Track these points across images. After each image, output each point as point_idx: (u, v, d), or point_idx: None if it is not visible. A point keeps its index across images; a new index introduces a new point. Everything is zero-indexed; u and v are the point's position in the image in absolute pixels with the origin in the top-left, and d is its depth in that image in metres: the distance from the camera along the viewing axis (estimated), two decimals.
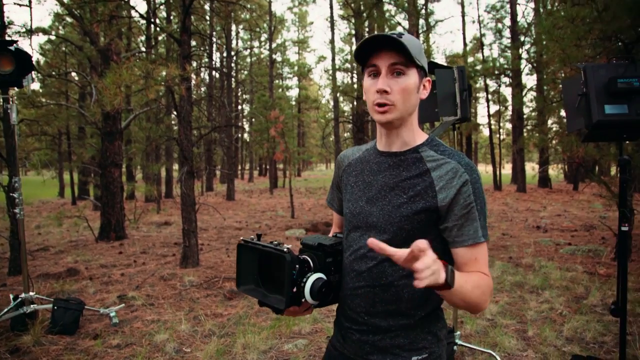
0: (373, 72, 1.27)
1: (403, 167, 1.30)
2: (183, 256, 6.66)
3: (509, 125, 32.04)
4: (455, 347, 3.43)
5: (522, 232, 9.69)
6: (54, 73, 13.57)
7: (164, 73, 6.09)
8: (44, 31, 13.50)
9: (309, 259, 1.29)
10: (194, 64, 21.61)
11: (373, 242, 1.04)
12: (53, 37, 14.94)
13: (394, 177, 1.30)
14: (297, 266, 1.21)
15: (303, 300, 1.22)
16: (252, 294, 1.28)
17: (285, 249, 1.18)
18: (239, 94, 37.11)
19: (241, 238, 1.30)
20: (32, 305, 4.19)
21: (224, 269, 6.48)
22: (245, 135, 37.33)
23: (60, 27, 16.47)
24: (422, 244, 0.99)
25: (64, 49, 14.80)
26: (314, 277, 1.24)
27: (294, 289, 1.20)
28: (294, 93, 37.90)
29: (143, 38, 17.35)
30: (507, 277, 5.94)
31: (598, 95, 2.58)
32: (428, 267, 1.00)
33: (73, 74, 16.89)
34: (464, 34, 26.25)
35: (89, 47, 9.76)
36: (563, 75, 9.00)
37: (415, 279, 0.99)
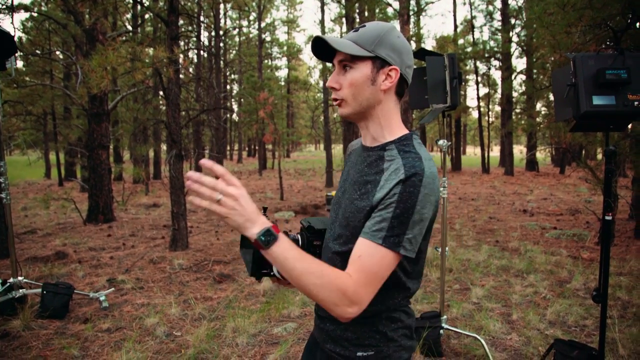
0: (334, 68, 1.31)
1: (367, 163, 1.29)
2: (172, 239, 6.66)
3: (498, 108, 32.15)
4: (441, 331, 3.51)
5: (509, 216, 9.83)
6: (37, 51, 13.27)
7: (151, 53, 6.00)
8: (26, 8, 13.12)
9: (299, 238, 1.36)
10: (182, 43, 21.27)
11: (205, 162, 1.03)
12: (35, 14, 14.56)
13: (357, 173, 1.32)
14: None
15: (272, 273, 1.22)
16: (246, 258, 1.28)
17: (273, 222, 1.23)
18: (228, 74, 36.69)
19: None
20: (21, 290, 4.19)
21: (213, 252, 6.51)
22: (235, 116, 37.04)
23: (43, 4, 16.04)
24: (220, 169, 1.01)
25: (47, 26, 14.45)
26: None
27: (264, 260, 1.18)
28: (283, 73, 37.63)
29: (129, 16, 16.98)
30: (493, 261, 6.04)
31: (586, 86, 2.60)
32: (213, 188, 1.02)
33: (57, 52, 16.52)
34: (454, 16, 26.11)
35: (73, 25, 9.55)
36: (553, 59, 9.02)
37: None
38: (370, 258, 1.12)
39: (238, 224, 1.04)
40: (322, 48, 1.28)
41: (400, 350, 1.30)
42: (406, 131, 1.30)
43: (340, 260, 1.27)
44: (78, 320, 4.12)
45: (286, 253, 1.06)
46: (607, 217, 2.67)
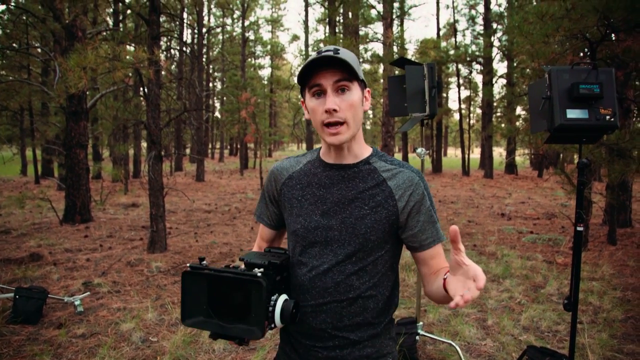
0: (317, 92, 1.24)
1: (359, 178, 1.31)
2: (150, 241, 6.58)
3: (479, 111, 32.57)
4: (417, 337, 3.54)
5: (487, 220, 9.97)
6: (14, 45, 12.97)
7: (132, 51, 5.92)
8: (3, 0, 12.83)
9: (262, 282, 1.14)
10: (164, 40, 21.03)
11: (456, 232, 1.07)
12: (13, 7, 14.23)
13: (351, 189, 1.30)
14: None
15: (273, 326, 1.15)
16: (204, 326, 1.14)
17: (258, 273, 1.10)
18: (211, 71, 36.40)
19: (187, 264, 1.15)
20: None
21: (192, 254, 6.46)
22: (217, 114, 36.76)
23: None
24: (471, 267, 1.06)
25: (25, 19, 14.12)
26: (281, 299, 1.17)
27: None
28: (266, 72, 37.47)
29: (111, 10, 16.72)
30: None
31: (561, 100, 2.66)
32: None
33: (36, 46, 16.16)
34: (437, 19, 26.34)
35: (52, 20, 9.35)
36: (533, 65, 9.17)
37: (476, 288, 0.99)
38: (443, 255, 1.36)
39: None
40: (309, 69, 1.22)
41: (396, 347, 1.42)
42: (369, 146, 1.41)
43: (357, 277, 1.28)
44: (52, 325, 4.05)
45: None
46: (578, 228, 2.73)
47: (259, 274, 1.09)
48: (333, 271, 1.28)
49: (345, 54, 1.23)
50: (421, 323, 3.66)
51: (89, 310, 4.40)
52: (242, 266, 1.22)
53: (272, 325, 1.15)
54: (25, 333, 3.86)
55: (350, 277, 1.28)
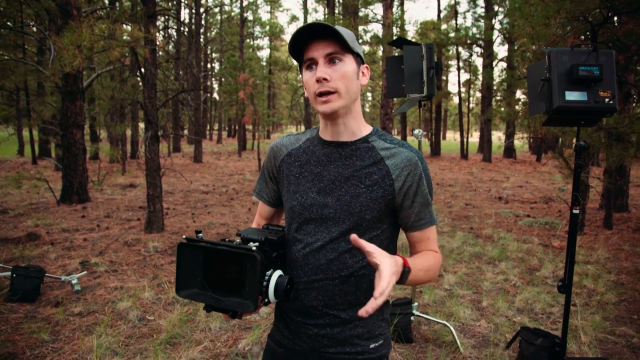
0: (310, 65, 1.25)
1: (356, 156, 1.30)
2: (148, 221, 6.59)
3: (479, 95, 32.41)
4: (412, 318, 3.57)
5: (484, 203, 9.99)
6: (9, 24, 12.77)
7: (128, 30, 5.84)
8: None
9: (256, 257, 1.14)
10: (161, 20, 20.77)
11: (356, 239, 1.07)
12: None
13: (348, 167, 1.29)
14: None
15: (266, 300, 1.16)
16: (198, 298, 1.15)
17: (253, 247, 1.10)
18: (209, 52, 36.04)
19: (184, 237, 1.17)
20: None
21: (189, 235, 6.45)
22: (215, 95, 36.52)
23: None
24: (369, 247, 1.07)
25: None
26: (276, 274, 1.18)
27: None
28: (265, 54, 37.11)
29: None
30: (467, 248, 6.16)
31: (560, 81, 2.63)
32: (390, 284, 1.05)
33: (31, 25, 15.93)
34: (438, 1, 26.02)
35: None
36: (534, 48, 9.09)
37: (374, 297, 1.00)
38: (435, 234, 1.38)
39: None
40: (299, 42, 1.23)
41: (390, 330, 1.43)
42: (369, 125, 1.39)
43: (351, 256, 1.28)
44: (49, 304, 4.07)
45: (414, 274, 1.19)
46: (574, 211, 2.73)
47: (254, 248, 1.09)
48: (326, 248, 1.28)
49: (340, 28, 1.22)
50: (416, 304, 3.68)
51: (86, 289, 4.43)
52: (239, 240, 1.22)
53: (266, 300, 1.16)
54: (22, 311, 3.88)
55: (344, 255, 1.28)
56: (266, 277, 1.15)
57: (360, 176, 1.28)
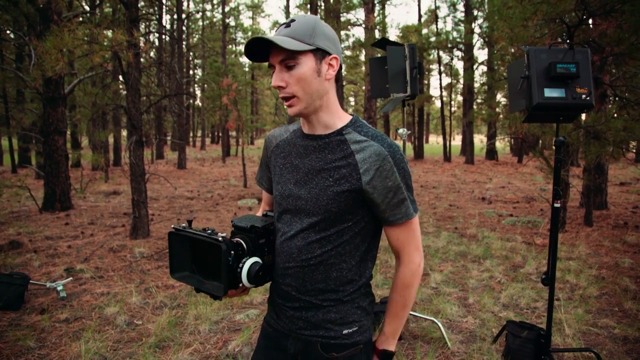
0: (273, 71, 1.28)
1: (328, 150, 1.32)
2: (133, 227, 6.53)
3: (460, 98, 32.81)
4: None
5: (468, 203, 10.12)
6: None
7: (109, 36, 5.81)
8: None
9: (242, 242, 1.29)
10: (143, 26, 20.63)
11: None
12: None
13: (319, 161, 1.32)
14: (232, 252, 1.22)
15: (240, 284, 1.25)
16: (188, 281, 1.28)
17: (220, 238, 1.19)
18: (191, 59, 35.86)
19: (172, 226, 1.29)
20: None
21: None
22: (198, 102, 36.31)
23: None
24: None
25: None
26: (250, 261, 1.26)
27: (231, 275, 1.23)
28: (247, 59, 37.00)
29: None
30: (452, 247, 6.24)
31: (539, 79, 2.71)
32: None
33: (8, 32, 15.70)
34: (419, 5, 26.33)
35: (25, 3, 9.09)
36: (512, 52, 9.27)
37: None
38: (414, 229, 1.36)
39: None
40: (256, 49, 1.26)
41: (371, 320, 1.44)
42: (349, 115, 1.39)
43: (320, 245, 1.31)
44: (34, 311, 4.01)
45: (395, 335, 1.43)
46: (555, 205, 2.81)
47: (220, 238, 1.18)
48: (297, 237, 1.33)
49: (295, 26, 1.24)
50: None
51: (72, 296, 4.37)
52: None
53: (241, 284, 1.25)
54: (7, 319, 3.82)
55: (312, 244, 1.32)
56: (240, 264, 1.24)
57: (330, 169, 1.30)
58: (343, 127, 1.34)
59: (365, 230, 1.35)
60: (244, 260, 1.25)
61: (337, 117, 1.35)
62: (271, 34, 1.28)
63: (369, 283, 1.42)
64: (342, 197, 1.27)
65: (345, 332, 1.35)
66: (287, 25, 1.25)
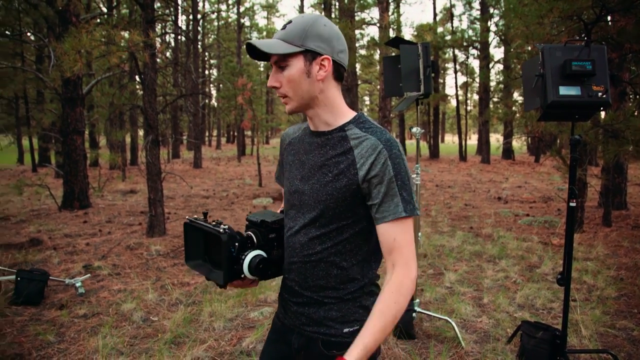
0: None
1: (329, 146, 1.34)
2: (149, 225, 6.63)
3: (476, 97, 32.52)
4: (414, 314, 3.61)
5: (484, 203, 10.04)
6: (7, 32, 12.86)
7: (126, 37, 5.89)
8: None
9: (252, 236, 1.36)
10: (159, 27, 20.88)
11: None
12: None
13: (321, 156, 1.34)
14: (237, 244, 1.27)
15: (243, 275, 1.30)
16: (199, 269, 1.36)
17: (221, 229, 1.24)
18: (206, 59, 36.17)
19: (187, 217, 1.38)
20: None
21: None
22: (213, 101, 36.61)
23: None
24: None
25: (17, 5, 13.97)
26: (252, 254, 1.31)
27: (235, 266, 1.28)
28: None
29: None
30: (467, 247, 6.19)
31: (554, 77, 2.68)
32: None
33: (29, 34, 16.01)
34: (434, 4, 26.15)
35: (45, 5, 9.27)
36: (529, 49, 9.17)
37: None
38: (404, 234, 1.25)
39: None
40: (257, 51, 1.30)
41: None
42: (354, 112, 1.39)
43: (320, 242, 1.33)
44: (53, 306, 4.10)
45: (371, 347, 1.18)
46: (571, 204, 2.78)
47: (222, 230, 1.24)
48: (300, 233, 1.36)
49: (290, 28, 1.27)
50: (417, 300, 3.72)
51: (90, 292, 4.46)
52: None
53: (243, 275, 1.31)
54: (27, 314, 3.92)
55: (313, 240, 1.33)
56: (243, 256, 1.30)
57: (330, 165, 1.32)
58: (345, 123, 1.34)
59: (367, 232, 1.33)
60: (247, 252, 1.31)
61: (340, 115, 1.35)
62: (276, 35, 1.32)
63: (375, 283, 1.41)
64: (340, 192, 1.28)
65: (346, 330, 1.35)
66: (284, 27, 1.29)
